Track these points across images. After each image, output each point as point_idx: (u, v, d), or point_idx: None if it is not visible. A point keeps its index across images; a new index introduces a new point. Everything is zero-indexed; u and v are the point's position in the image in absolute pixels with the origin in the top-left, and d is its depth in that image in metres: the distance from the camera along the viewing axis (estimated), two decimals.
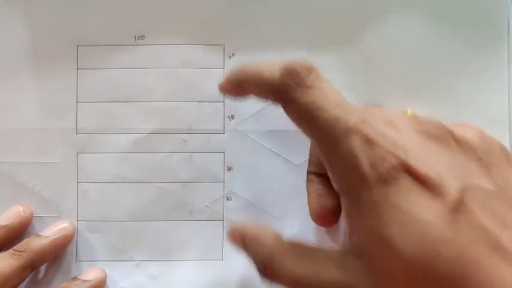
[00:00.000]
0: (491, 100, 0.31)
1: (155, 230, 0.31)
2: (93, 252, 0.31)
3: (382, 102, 0.31)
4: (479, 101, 0.31)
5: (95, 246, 0.31)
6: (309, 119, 0.22)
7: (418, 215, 0.19)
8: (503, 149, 0.22)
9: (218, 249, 0.31)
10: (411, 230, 0.19)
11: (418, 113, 0.25)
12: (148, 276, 0.30)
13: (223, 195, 0.31)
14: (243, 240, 0.25)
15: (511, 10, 0.31)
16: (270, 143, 0.31)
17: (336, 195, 0.26)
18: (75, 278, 0.30)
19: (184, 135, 0.31)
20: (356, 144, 0.20)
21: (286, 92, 0.22)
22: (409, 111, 0.25)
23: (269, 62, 0.24)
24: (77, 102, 0.31)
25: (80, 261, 0.31)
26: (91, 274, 0.30)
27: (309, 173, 0.28)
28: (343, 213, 0.22)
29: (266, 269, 0.23)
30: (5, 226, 0.29)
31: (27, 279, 0.29)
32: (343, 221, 0.28)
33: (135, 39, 0.31)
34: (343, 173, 0.21)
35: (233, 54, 0.31)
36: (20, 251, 0.29)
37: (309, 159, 0.29)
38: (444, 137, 0.21)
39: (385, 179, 0.20)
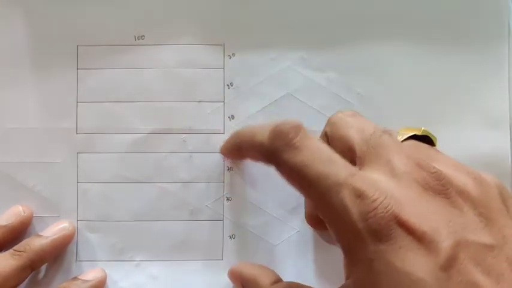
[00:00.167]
0: (491, 100, 0.31)
1: (155, 230, 0.31)
2: (93, 252, 0.31)
3: (382, 104, 0.31)
4: (479, 101, 0.31)
5: (95, 246, 0.31)
6: (299, 178, 0.22)
7: (411, 273, 0.19)
8: (503, 196, 0.22)
9: (218, 249, 0.31)
10: None
11: (430, 131, 0.25)
12: (148, 276, 0.30)
13: (223, 195, 0.31)
14: (241, 281, 0.27)
15: (511, 10, 0.31)
16: None
17: None
18: (75, 278, 0.30)
19: (184, 135, 0.31)
20: (346, 199, 0.20)
21: (275, 154, 0.23)
22: (422, 129, 0.24)
23: (261, 125, 0.25)
24: (77, 102, 0.31)
25: (80, 261, 0.31)
26: (91, 274, 0.30)
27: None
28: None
29: None
30: (5, 226, 0.29)
31: (27, 279, 0.29)
32: None
33: (135, 39, 0.31)
34: (337, 227, 0.21)
35: (233, 54, 0.31)
36: (20, 251, 0.29)
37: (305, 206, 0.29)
38: (443, 188, 0.21)
39: (379, 235, 0.20)
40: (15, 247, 0.29)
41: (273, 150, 0.23)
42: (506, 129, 0.31)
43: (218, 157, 0.31)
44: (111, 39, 0.31)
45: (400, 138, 0.24)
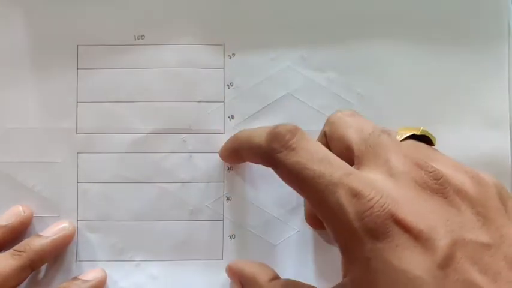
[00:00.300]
0: (491, 100, 0.31)
1: (155, 230, 0.31)
2: (93, 252, 0.31)
3: (382, 104, 0.31)
4: (479, 101, 0.31)
5: (95, 246, 0.31)
6: (296, 178, 0.22)
7: (408, 271, 0.19)
8: (502, 195, 0.22)
9: (218, 249, 0.31)
10: (400, 286, 0.19)
11: (429, 131, 0.25)
12: (148, 276, 0.30)
13: (223, 195, 0.31)
14: (240, 278, 0.27)
15: (511, 10, 0.31)
16: None
17: None
18: (75, 278, 0.30)
19: (184, 135, 0.31)
20: (342, 198, 0.20)
21: (273, 155, 0.23)
22: (421, 128, 0.24)
23: (258, 128, 0.25)
24: (77, 102, 0.31)
25: (80, 261, 0.31)
26: (91, 274, 0.30)
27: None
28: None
29: None
30: (5, 226, 0.29)
31: (27, 279, 0.29)
32: None
33: (135, 39, 0.31)
34: (334, 226, 0.21)
35: (233, 54, 0.31)
36: (20, 251, 0.29)
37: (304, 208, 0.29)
38: (441, 187, 0.21)
39: (376, 234, 0.20)
40: (15, 247, 0.29)
41: (270, 152, 0.23)
42: (506, 129, 0.31)
43: (218, 157, 0.31)
44: (111, 39, 0.31)
45: (399, 138, 0.24)
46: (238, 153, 0.27)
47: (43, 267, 0.30)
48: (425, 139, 0.24)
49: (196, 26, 0.31)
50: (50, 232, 0.30)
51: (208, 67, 0.31)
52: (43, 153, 0.31)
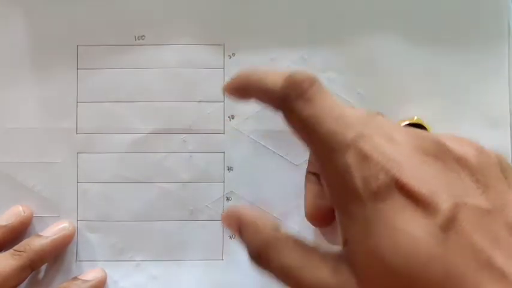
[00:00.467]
0: (491, 100, 0.31)
1: (155, 230, 0.31)
2: (94, 252, 0.31)
3: (382, 104, 0.31)
4: (480, 100, 0.31)
5: (95, 246, 0.31)
6: (307, 132, 0.22)
7: (408, 232, 0.19)
8: (502, 166, 0.22)
9: (218, 249, 0.31)
10: (401, 246, 0.19)
11: (423, 120, 0.25)
12: (148, 276, 0.30)
13: (223, 195, 0.31)
14: (239, 224, 0.25)
15: (511, 10, 0.31)
16: (270, 143, 0.31)
17: None
18: (75, 278, 0.30)
19: (184, 135, 0.31)
20: (351, 160, 0.20)
21: (287, 102, 0.23)
22: (416, 118, 0.25)
23: (273, 70, 0.24)
24: (77, 102, 0.31)
25: (80, 261, 0.31)
26: (91, 274, 0.30)
27: (308, 172, 0.28)
28: (337, 222, 0.22)
29: (261, 256, 0.23)
30: (5, 226, 0.30)
31: (27, 279, 0.29)
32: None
33: (135, 39, 0.31)
34: (337, 187, 0.21)
35: (233, 54, 0.31)
36: (20, 251, 0.29)
37: (309, 159, 0.29)
38: (442, 155, 0.21)
39: (378, 196, 0.20)
40: (15, 247, 0.29)
41: (285, 98, 0.23)
42: (507, 128, 0.31)
43: (218, 157, 0.31)
44: (111, 39, 0.31)
45: None
46: (247, 92, 0.26)
47: (43, 267, 0.30)
48: (420, 128, 0.25)
49: (196, 26, 0.31)
50: (50, 232, 0.30)
51: (208, 67, 0.31)
52: (43, 153, 0.31)
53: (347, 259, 0.21)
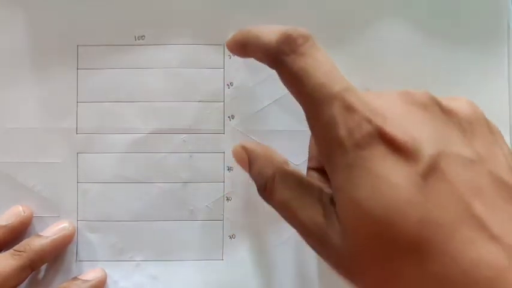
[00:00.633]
0: (491, 100, 0.31)
1: (155, 230, 0.31)
2: (94, 252, 0.31)
3: None
4: (479, 101, 0.31)
5: (95, 246, 0.31)
6: (297, 85, 0.22)
7: (389, 179, 0.19)
8: (488, 123, 0.22)
9: (218, 249, 0.31)
10: (381, 192, 0.19)
11: None
12: (148, 276, 0.30)
13: (223, 195, 0.31)
14: (250, 155, 0.26)
15: (511, 10, 0.31)
16: (270, 143, 0.31)
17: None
18: (75, 278, 0.30)
19: (184, 135, 0.31)
20: (336, 111, 0.21)
21: (279, 56, 0.23)
22: None
23: (271, 26, 0.24)
24: (77, 102, 0.31)
25: (80, 261, 0.31)
26: (91, 274, 0.30)
27: (308, 169, 0.28)
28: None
29: (266, 187, 0.24)
30: (5, 226, 0.30)
31: (27, 279, 0.29)
32: None
33: (135, 39, 0.31)
34: (323, 138, 0.22)
35: (233, 54, 0.31)
36: (20, 251, 0.29)
37: (309, 156, 0.29)
38: (430, 105, 0.21)
39: (361, 145, 0.20)
40: (15, 247, 0.29)
41: (278, 53, 0.23)
42: (506, 129, 0.31)
43: (218, 157, 0.31)
44: (111, 39, 0.31)
45: None
46: (246, 47, 0.26)
47: (43, 267, 0.30)
48: None
49: (196, 26, 0.31)
50: (50, 232, 0.30)
51: (208, 67, 0.31)
52: (43, 153, 0.31)
53: (335, 205, 0.21)
